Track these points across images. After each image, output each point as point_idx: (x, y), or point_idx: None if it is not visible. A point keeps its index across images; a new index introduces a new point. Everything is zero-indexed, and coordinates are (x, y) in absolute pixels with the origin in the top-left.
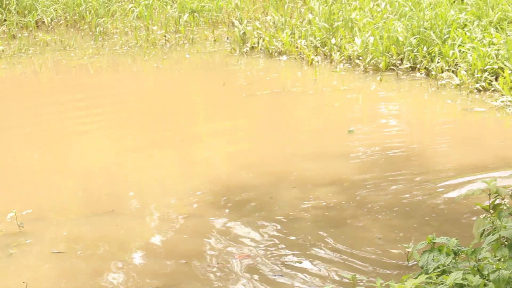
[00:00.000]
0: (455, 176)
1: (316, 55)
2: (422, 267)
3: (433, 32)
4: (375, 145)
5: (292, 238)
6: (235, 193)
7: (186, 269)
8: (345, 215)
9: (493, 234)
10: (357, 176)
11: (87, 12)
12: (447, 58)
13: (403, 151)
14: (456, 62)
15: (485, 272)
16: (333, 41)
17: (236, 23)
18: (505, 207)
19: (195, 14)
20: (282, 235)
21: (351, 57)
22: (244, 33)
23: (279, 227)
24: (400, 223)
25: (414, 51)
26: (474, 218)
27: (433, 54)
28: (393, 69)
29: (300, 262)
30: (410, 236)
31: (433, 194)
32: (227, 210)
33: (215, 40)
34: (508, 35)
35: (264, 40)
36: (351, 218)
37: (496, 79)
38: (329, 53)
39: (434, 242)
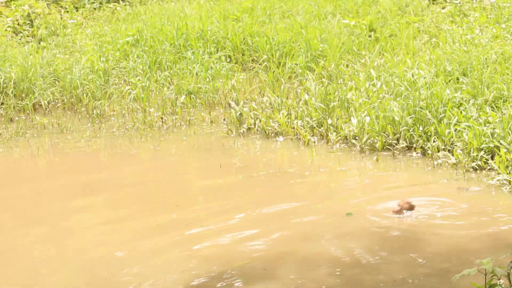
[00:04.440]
0: (452, 257)
1: (313, 135)
2: None
3: (429, 112)
4: (373, 227)
5: None
6: (233, 276)
7: None
8: None
9: None
10: (354, 258)
11: (84, 94)
12: (443, 137)
13: (401, 232)
14: (452, 141)
15: None
16: (329, 121)
17: (233, 104)
18: None
19: (192, 95)
20: None
21: (348, 137)
22: (240, 114)
23: None
24: None
25: (410, 130)
26: None
27: (429, 134)
28: (389, 148)
29: None
30: None
31: (431, 275)
32: None
33: (211, 122)
34: (504, 114)
35: (260, 121)
36: None
37: (492, 157)
38: (325, 133)
39: None
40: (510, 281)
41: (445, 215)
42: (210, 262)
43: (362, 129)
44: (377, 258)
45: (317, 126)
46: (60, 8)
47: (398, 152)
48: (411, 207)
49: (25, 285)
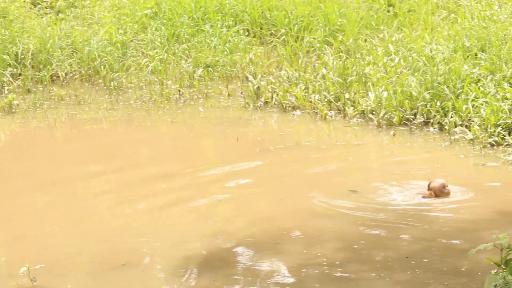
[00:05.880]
0: (467, 233)
1: (330, 109)
2: None
3: (447, 87)
4: (382, 204)
5: None
6: (245, 246)
7: None
8: (349, 272)
9: None
10: (364, 234)
11: (102, 66)
12: (460, 113)
13: (411, 209)
14: (470, 117)
15: None
16: (346, 95)
17: (250, 77)
18: None
19: (209, 68)
20: None
21: (365, 112)
22: (258, 87)
23: (281, 281)
24: (408, 279)
25: (428, 105)
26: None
27: (446, 109)
28: (406, 123)
29: None
30: None
31: (441, 250)
32: (236, 263)
33: (229, 95)
34: None
35: (278, 94)
36: (355, 275)
37: (509, 133)
38: (342, 108)
39: None
40: None
41: (461, 191)
42: (223, 231)
43: (379, 104)
44: (387, 234)
45: (334, 100)
46: None
47: (415, 127)
48: (444, 194)
49: (38, 247)
